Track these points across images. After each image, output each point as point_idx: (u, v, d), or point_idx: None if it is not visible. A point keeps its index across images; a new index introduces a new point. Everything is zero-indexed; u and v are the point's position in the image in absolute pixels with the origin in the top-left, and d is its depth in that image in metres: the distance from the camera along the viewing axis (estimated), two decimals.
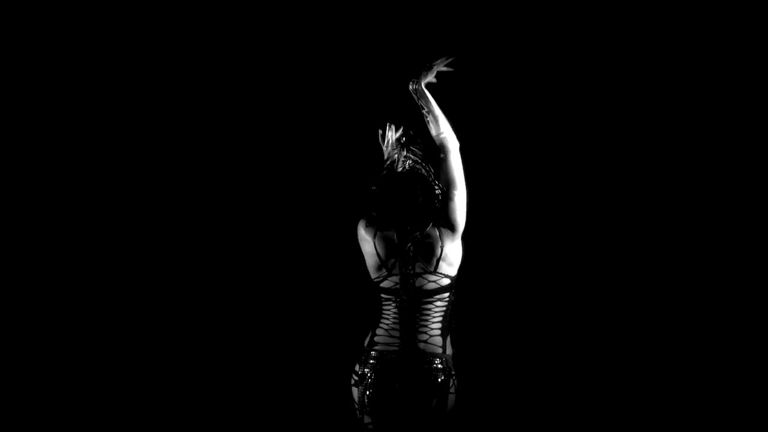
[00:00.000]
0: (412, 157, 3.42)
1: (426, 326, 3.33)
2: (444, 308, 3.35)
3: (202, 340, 4.86)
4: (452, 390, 3.35)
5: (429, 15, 4.77)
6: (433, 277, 3.34)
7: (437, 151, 3.43)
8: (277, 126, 4.86)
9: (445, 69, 3.52)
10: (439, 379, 3.32)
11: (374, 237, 3.38)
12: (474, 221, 3.45)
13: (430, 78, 3.49)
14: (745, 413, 4.68)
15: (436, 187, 3.39)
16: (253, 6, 4.81)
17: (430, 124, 3.45)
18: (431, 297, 3.34)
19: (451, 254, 3.36)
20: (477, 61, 4.72)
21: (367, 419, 3.35)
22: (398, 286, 3.34)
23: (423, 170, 3.41)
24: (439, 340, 3.33)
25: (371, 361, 3.34)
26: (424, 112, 3.46)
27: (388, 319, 3.36)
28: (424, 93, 3.46)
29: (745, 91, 4.71)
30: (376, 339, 3.36)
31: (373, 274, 3.40)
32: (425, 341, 3.33)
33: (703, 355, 4.75)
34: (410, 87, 3.48)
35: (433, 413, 3.32)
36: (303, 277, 4.86)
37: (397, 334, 3.33)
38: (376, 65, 4.76)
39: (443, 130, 3.44)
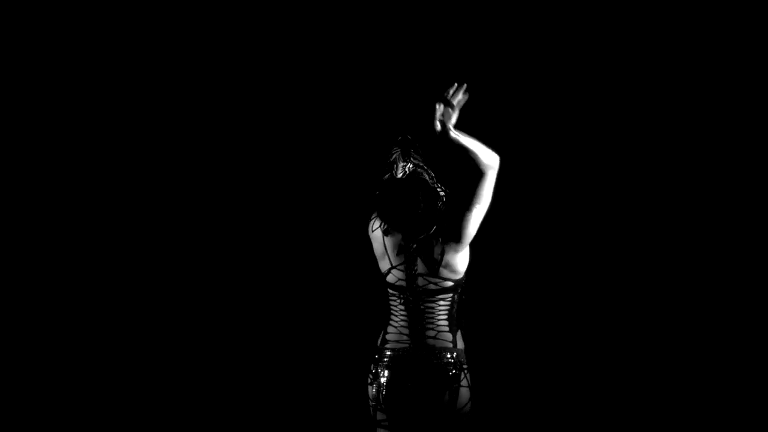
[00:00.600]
0: (413, 161, 3.35)
1: (433, 322, 3.34)
2: (448, 306, 3.34)
3: (216, 342, 4.89)
4: (464, 384, 3.34)
5: (433, 17, 4.80)
6: (435, 279, 3.33)
7: (445, 156, 3.34)
8: (284, 129, 4.88)
9: (463, 97, 3.21)
10: (450, 373, 3.33)
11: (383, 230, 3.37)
12: (486, 218, 3.36)
13: (455, 116, 3.18)
14: (745, 413, 4.68)
15: (440, 190, 3.34)
16: (261, 12, 4.83)
17: (474, 161, 3.22)
18: (434, 297, 3.33)
19: (454, 262, 3.32)
20: (482, 67, 4.77)
21: (380, 416, 3.36)
22: (403, 283, 3.34)
23: (425, 174, 3.34)
24: (448, 336, 3.34)
25: (384, 360, 3.36)
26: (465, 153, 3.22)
27: (397, 316, 3.37)
28: (457, 138, 3.18)
29: (746, 91, 4.73)
30: (387, 337, 3.38)
31: (380, 264, 3.39)
32: (434, 337, 3.33)
33: (716, 357, 4.75)
34: (445, 135, 3.17)
35: (446, 408, 3.32)
36: (316, 279, 4.90)
37: (406, 331, 3.35)
38: (382, 69, 4.80)
39: (486, 160, 3.22)
